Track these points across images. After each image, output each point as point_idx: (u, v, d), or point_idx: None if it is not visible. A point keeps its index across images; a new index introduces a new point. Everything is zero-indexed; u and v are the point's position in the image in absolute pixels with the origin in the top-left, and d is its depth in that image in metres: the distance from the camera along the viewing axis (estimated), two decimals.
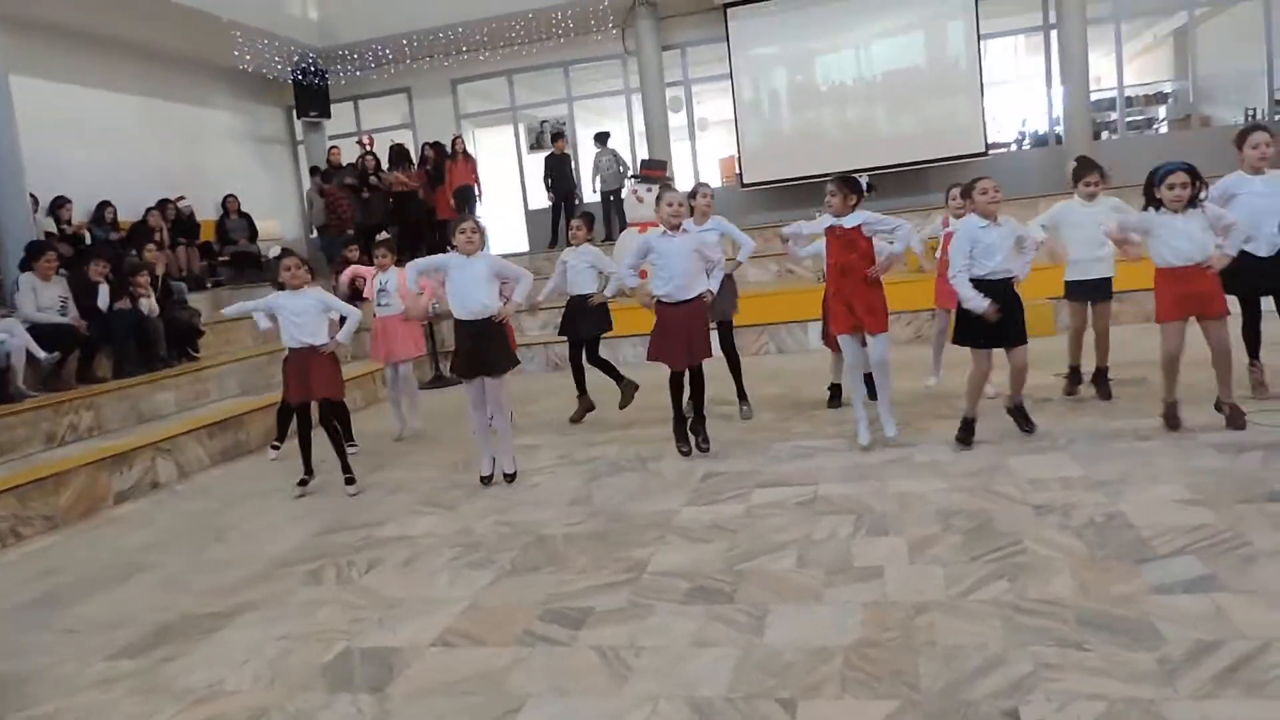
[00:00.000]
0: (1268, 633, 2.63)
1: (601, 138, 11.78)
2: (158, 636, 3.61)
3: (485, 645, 3.19)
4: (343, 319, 5.54)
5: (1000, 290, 4.63)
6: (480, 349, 5.07)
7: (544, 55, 12.33)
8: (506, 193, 13.51)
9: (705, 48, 12.22)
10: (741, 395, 6.30)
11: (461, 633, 3.32)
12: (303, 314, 5.32)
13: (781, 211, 11.24)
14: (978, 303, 4.57)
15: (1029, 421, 4.97)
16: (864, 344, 5.08)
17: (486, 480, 5.30)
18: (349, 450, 6.28)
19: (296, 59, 11.79)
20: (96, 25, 9.90)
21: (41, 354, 6.74)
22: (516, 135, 13.15)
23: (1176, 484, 3.94)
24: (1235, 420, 4.57)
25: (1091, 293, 5.46)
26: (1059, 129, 11.31)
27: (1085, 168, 5.42)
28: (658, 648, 3.01)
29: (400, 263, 6.59)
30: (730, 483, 4.78)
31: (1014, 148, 12.00)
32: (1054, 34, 10.93)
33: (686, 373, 5.30)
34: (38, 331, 6.83)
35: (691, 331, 5.16)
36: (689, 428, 5.45)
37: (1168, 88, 11.84)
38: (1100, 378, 5.57)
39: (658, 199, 5.30)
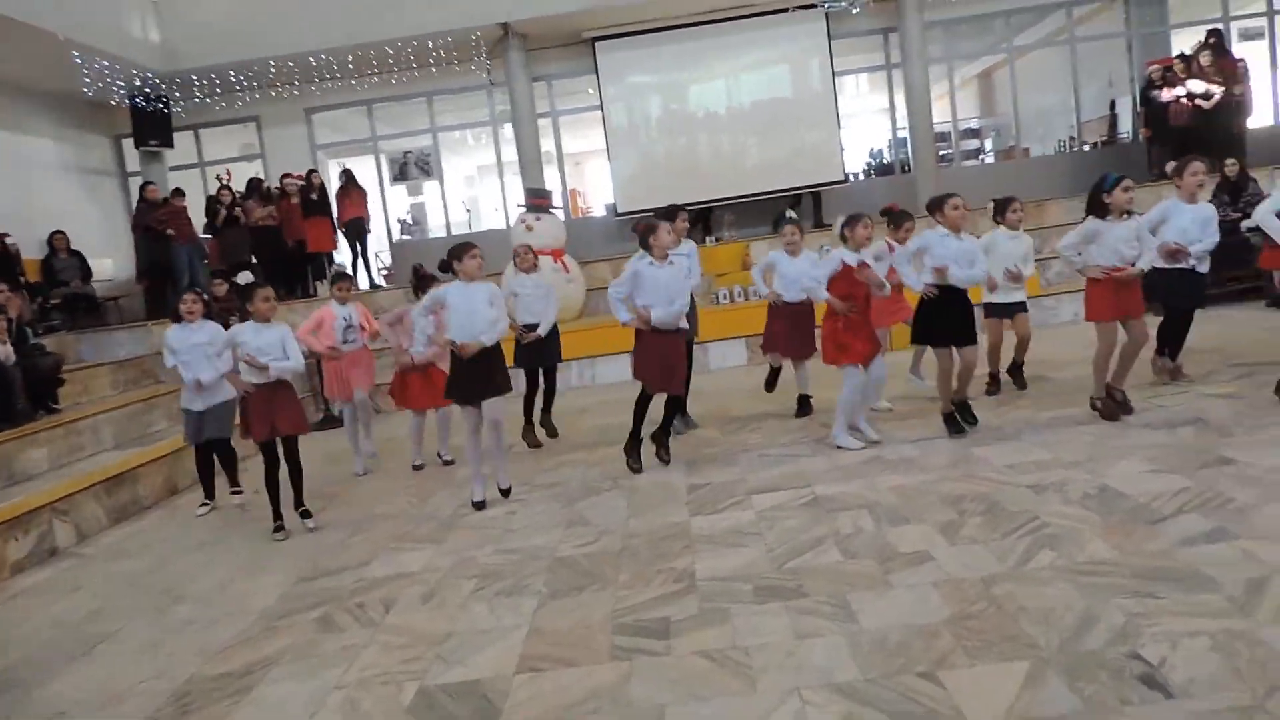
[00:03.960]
0: None
1: None
2: (180, 706, 3.26)
3: (578, 665, 3.12)
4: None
5: (957, 294, 5.17)
6: (483, 372, 5.06)
7: (407, 86, 12.04)
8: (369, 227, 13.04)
9: (570, 80, 12.39)
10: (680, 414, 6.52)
11: (543, 657, 3.22)
12: (272, 347, 5.06)
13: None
14: (914, 280, 5.21)
15: (972, 415, 5.46)
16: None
17: (481, 505, 5.21)
18: (236, 499, 6.11)
19: (137, 83, 10.87)
20: None
21: None
22: (379, 167, 12.72)
23: (1137, 458, 4.45)
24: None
25: (1009, 310, 6.18)
26: (904, 158, 12.36)
27: (1009, 201, 6.08)
28: (764, 645, 3.06)
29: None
30: (721, 492, 4.89)
31: (862, 176, 12.97)
32: (896, 72, 11.97)
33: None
34: None
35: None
36: (651, 437, 5.67)
37: (988, 122, 13.25)
38: (1016, 370, 6.32)
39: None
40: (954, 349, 5.30)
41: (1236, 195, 8.47)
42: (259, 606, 4.14)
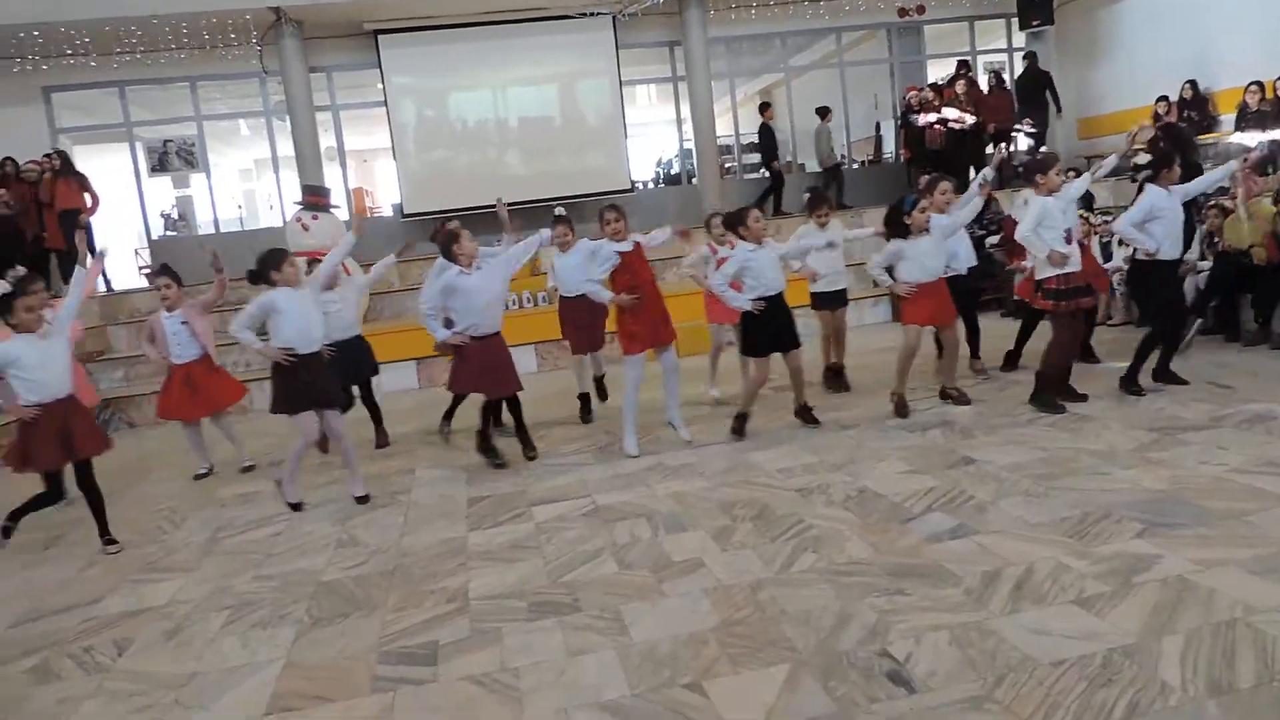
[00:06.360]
0: (1025, 558, 3.34)
1: (822, 112, 12.11)
2: None
3: (334, 701, 2.91)
4: None
5: (774, 302, 5.27)
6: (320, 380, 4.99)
7: (167, 68, 10.99)
8: (122, 222, 11.84)
9: (355, 73, 11.81)
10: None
11: (297, 694, 2.98)
12: (53, 360, 4.53)
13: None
14: (742, 301, 5.24)
15: (813, 417, 5.62)
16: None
17: (299, 507, 5.09)
18: None
19: None
20: None
21: None
22: (134, 156, 11.52)
23: (893, 459, 4.75)
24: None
25: (832, 301, 6.36)
26: (690, 169, 12.75)
27: (817, 201, 6.28)
28: (534, 665, 2.98)
29: None
30: (502, 505, 4.77)
31: (650, 185, 13.23)
32: (683, 85, 12.29)
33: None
34: None
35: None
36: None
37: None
38: (828, 374, 6.54)
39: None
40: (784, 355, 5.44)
41: (981, 213, 9.32)
42: None
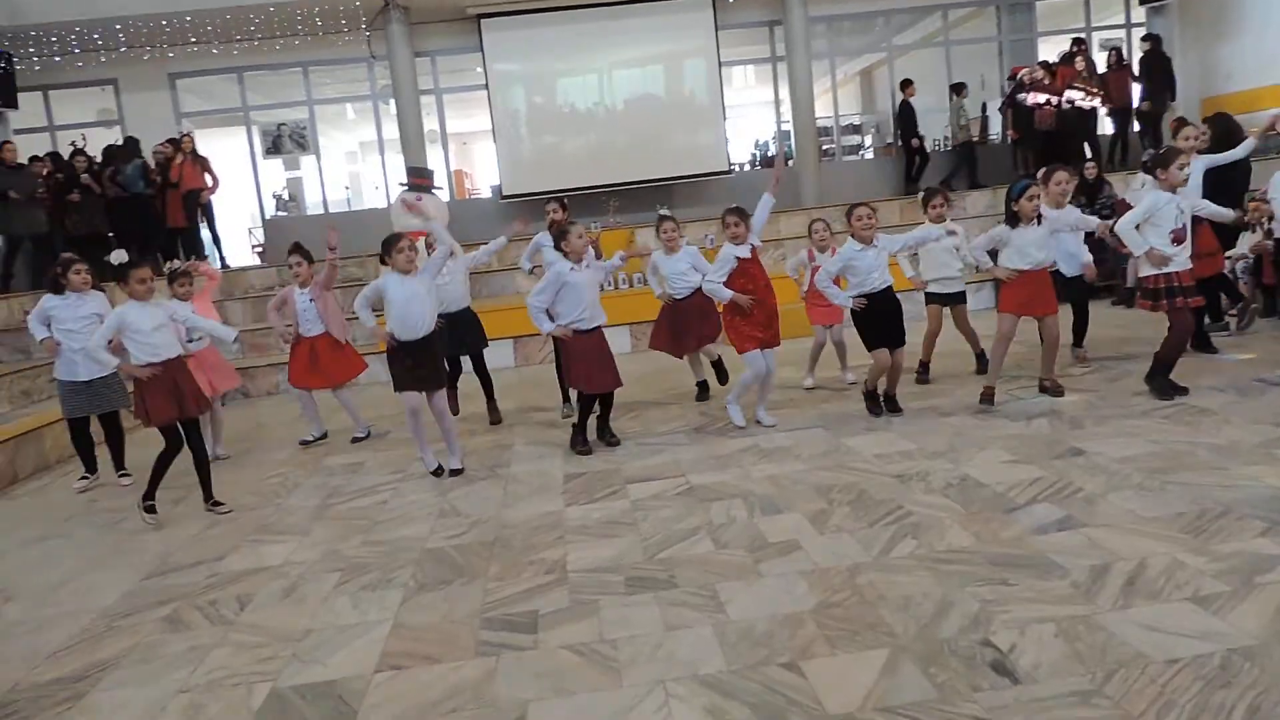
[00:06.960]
0: (1137, 552, 3.23)
1: (957, 88, 12.07)
2: (1, 717, 3.00)
3: (441, 661, 3.03)
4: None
5: (883, 299, 5.31)
6: (429, 362, 5.16)
7: (281, 54, 11.47)
8: (238, 202, 12.40)
9: (457, 57, 12.08)
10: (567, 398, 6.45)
11: (405, 654, 3.11)
12: (161, 326, 4.91)
13: (536, 224, 11.37)
14: (843, 299, 5.30)
15: (897, 408, 5.57)
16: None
17: (439, 473, 5.31)
18: (125, 482, 5.86)
19: None
20: None
21: None
22: (250, 139, 12.08)
23: (997, 448, 4.64)
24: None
25: (949, 299, 6.25)
26: (788, 151, 12.57)
27: (930, 194, 6.17)
28: (631, 638, 3.03)
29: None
30: (598, 482, 4.85)
31: (748, 167, 13.14)
32: (782, 66, 12.15)
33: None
34: None
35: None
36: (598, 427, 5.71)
37: (868, 118, 13.64)
38: (980, 361, 6.38)
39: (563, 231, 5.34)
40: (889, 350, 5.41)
41: (1093, 197, 8.95)
42: (100, 605, 3.86)
